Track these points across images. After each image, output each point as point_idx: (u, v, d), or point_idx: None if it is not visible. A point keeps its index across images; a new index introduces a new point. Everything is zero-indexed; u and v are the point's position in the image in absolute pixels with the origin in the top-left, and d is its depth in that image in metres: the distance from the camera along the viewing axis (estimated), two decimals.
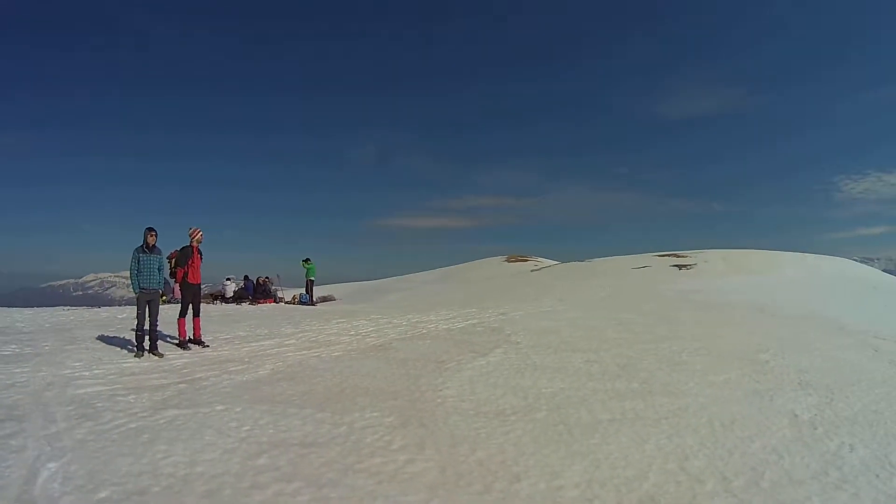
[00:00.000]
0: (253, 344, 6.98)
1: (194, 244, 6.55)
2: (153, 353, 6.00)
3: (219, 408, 4.20)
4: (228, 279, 15.51)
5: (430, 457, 3.47)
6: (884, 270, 28.80)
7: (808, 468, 3.69)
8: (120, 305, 13.29)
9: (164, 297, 9.11)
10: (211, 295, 15.22)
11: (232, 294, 14.93)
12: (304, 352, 6.62)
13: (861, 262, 31.09)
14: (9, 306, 11.77)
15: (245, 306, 13.30)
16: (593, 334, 8.36)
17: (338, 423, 4.01)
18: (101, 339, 6.93)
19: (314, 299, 15.55)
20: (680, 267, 20.98)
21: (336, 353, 6.57)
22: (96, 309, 11.79)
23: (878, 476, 3.59)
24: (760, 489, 3.33)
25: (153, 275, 5.96)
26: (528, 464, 3.47)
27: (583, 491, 3.14)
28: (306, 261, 15.35)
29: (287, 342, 7.19)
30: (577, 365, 6.28)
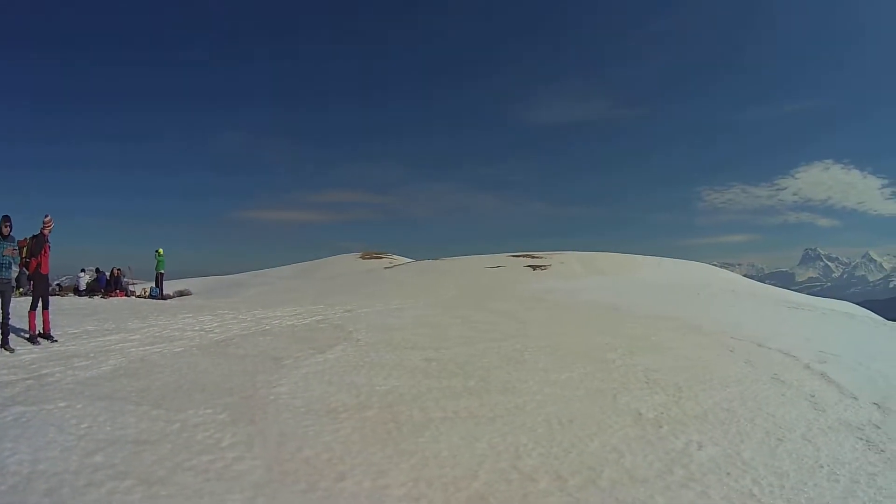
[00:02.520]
0: (99, 339, 9.10)
1: (46, 233, 8.86)
2: (4, 348, 7.96)
3: (61, 404, 5.61)
4: (83, 271, 20.48)
5: (257, 454, 4.71)
6: (745, 275, 41.49)
7: (651, 467, 4.82)
8: None
9: (19, 290, 12.38)
10: (68, 287, 20.31)
11: (85, 287, 19.75)
12: (148, 347, 8.72)
13: (722, 267, 44.39)
14: None
15: (97, 299, 17.65)
16: (437, 332, 11.00)
17: (172, 420, 5.41)
18: None
19: (164, 293, 21.13)
20: (534, 267, 28.66)
21: (178, 349, 8.71)
22: None
23: (728, 474, 4.81)
24: (598, 488, 4.27)
25: (6, 265, 8.12)
26: (355, 462, 4.64)
27: (409, 490, 4.19)
28: (158, 252, 21.00)
29: (132, 337, 9.44)
30: (416, 363, 8.29)
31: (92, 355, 7.85)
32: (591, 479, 4.47)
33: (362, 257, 45.45)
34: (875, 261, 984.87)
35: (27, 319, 8.76)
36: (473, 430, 5.48)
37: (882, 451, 5.53)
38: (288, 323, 12.01)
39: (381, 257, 45.06)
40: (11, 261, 8.12)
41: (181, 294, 24.53)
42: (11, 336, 8.23)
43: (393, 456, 4.77)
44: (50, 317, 8.97)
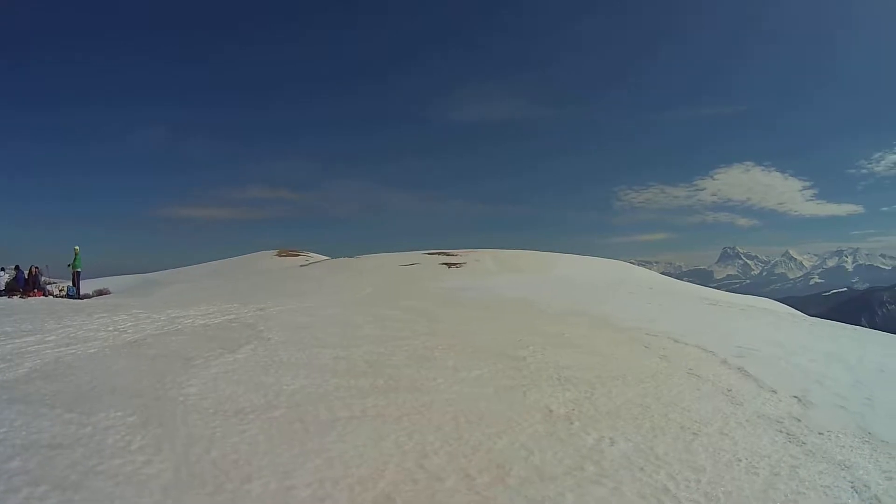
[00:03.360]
0: (17, 340, 9.90)
1: None
2: None
3: None
4: (2, 269, 22.62)
5: (166, 457, 5.10)
6: (662, 273, 45.07)
7: (561, 463, 5.16)
8: None
9: None
10: None
11: (4, 286, 21.72)
12: (63, 349, 9.41)
13: (640, 265, 47.50)
14: None
15: (16, 299, 19.84)
16: (348, 331, 12.04)
17: (84, 423, 5.84)
18: None
19: (82, 292, 24.10)
20: (449, 265, 31.53)
21: (92, 350, 9.43)
22: None
23: (642, 469, 5.17)
24: (507, 486, 4.61)
25: None
26: (261, 463, 5.06)
27: (315, 490, 4.57)
28: (75, 250, 23.66)
29: (48, 338, 10.28)
30: (325, 361, 9.02)
31: (9, 357, 8.54)
32: (500, 477, 4.80)
33: (279, 255, 49.87)
34: (795, 259, 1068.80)
35: None
36: (380, 429, 5.93)
37: (803, 443, 6.03)
38: (200, 322, 13.04)
39: (298, 255, 49.68)
40: None
41: (100, 293, 28.09)
42: None
43: (299, 456, 5.18)
44: None
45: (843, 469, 5.41)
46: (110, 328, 11.60)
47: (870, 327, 23.59)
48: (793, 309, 28.02)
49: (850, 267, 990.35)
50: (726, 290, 43.25)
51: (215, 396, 6.95)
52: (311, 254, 51.04)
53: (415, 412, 6.53)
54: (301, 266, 38.41)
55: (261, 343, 10.42)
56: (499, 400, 7.06)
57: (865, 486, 5.06)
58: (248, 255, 51.37)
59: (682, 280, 42.19)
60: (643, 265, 56.51)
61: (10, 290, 21.50)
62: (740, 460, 5.51)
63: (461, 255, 35.77)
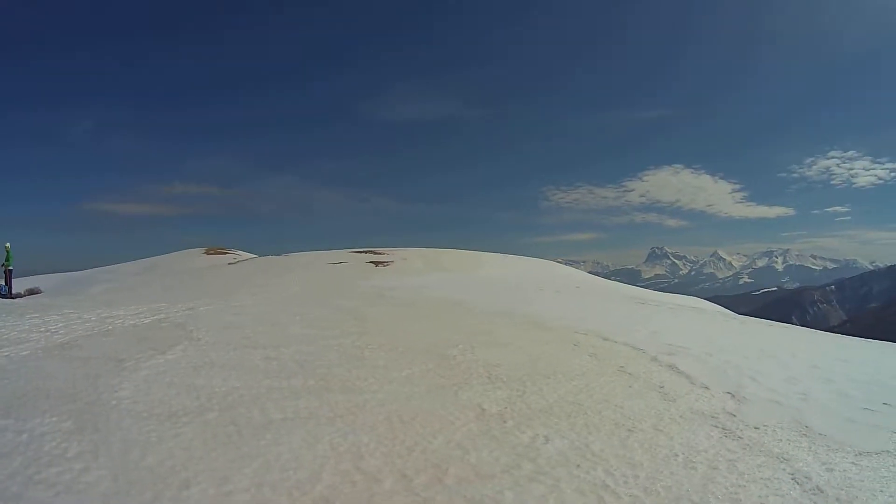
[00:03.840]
0: None
1: None
2: None
3: None
4: None
5: (103, 464, 5.25)
6: (589, 272, 47.42)
7: (497, 462, 5.39)
8: None
9: None
10: None
11: None
12: None
13: (567, 264, 49.38)
14: None
15: None
16: (277, 330, 12.52)
17: (20, 430, 6.01)
18: None
19: (14, 291, 25.08)
20: (376, 264, 32.79)
21: (24, 353, 9.66)
22: None
23: (579, 466, 5.43)
24: (445, 486, 4.81)
25: None
26: (198, 468, 5.18)
27: (253, 495, 4.72)
28: (6, 247, 24.63)
29: None
30: (256, 362, 9.33)
31: None
32: (437, 477, 5.01)
33: (207, 252, 51.22)
34: (724, 259, 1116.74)
35: None
36: (314, 430, 6.16)
37: (740, 437, 6.40)
38: (131, 322, 13.41)
39: (226, 253, 51.46)
40: None
41: (31, 292, 29.85)
42: None
43: (235, 460, 5.36)
44: None
45: (782, 462, 5.76)
46: (42, 329, 11.98)
47: (801, 325, 24.91)
48: (722, 307, 29.31)
49: (780, 267, 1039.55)
50: (654, 290, 44.95)
51: (148, 400, 7.15)
52: (238, 252, 52.67)
53: (348, 413, 6.79)
54: (229, 264, 39.42)
55: (191, 343, 10.76)
56: (431, 399, 7.31)
57: (806, 477, 5.41)
58: (177, 252, 52.66)
59: (609, 279, 44.14)
60: (570, 264, 59.64)
61: None
62: (677, 455, 5.81)
63: (388, 253, 37.16)
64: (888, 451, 6.14)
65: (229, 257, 47.93)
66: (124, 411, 6.67)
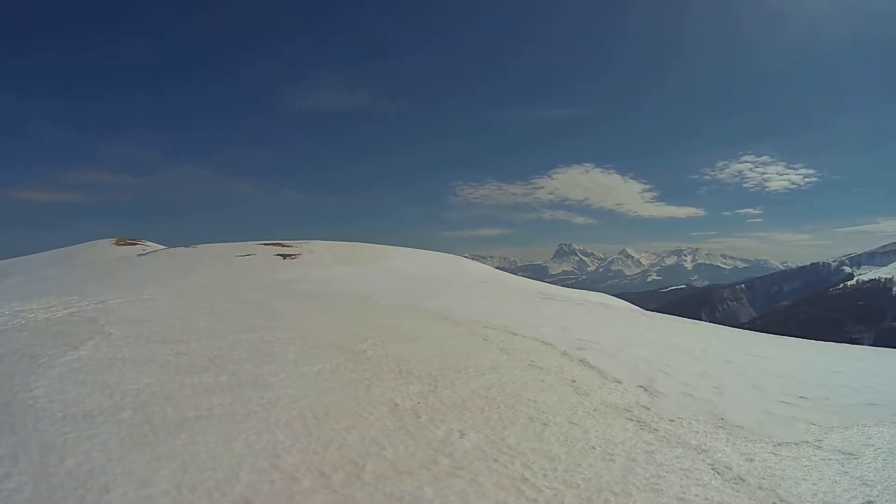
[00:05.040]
0: None
1: None
2: None
3: None
4: None
5: (23, 469, 5.24)
6: (497, 268, 48.86)
7: (414, 457, 5.54)
8: None
9: None
10: None
11: None
12: None
13: (474, 259, 50.07)
14: None
15: None
16: (187, 324, 12.68)
17: None
18: None
19: None
20: (284, 256, 32.80)
21: None
22: None
23: (496, 460, 5.62)
24: (363, 482, 4.95)
25: None
26: (117, 471, 5.21)
27: (174, 498, 4.77)
28: None
29: None
30: (167, 357, 9.44)
31: None
32: (355, 474, 5.14)
33: (117, 243, 49.34)
34: (632, 257, 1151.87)
35: None
36: (229, 428, 6.24)
37: (656, 430, 6.71)
38: (44, 316, 13.47)
39: (136, 244, 49.76)
40: None
41: None
42: None
43: (152, 461, 5.39)
44: None
45: (700, 453, 6.09)
46: None
47: (711, 322, 25.99)
48: (630, 303, 30.35)
49: (689, 266, 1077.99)
50: (562, 286, 46.46)
51: (63, 399, 7.16)
52: (149, 242, 51.36)
53: (261, 409, 6.89)
54: (139, 255, 38.66)
55: (103, 339, 10.84)
56: (344, 394, 7.45)
57: (726, 467, 5.74)
58: (88, 243, 51.09)
59: (517, 275, 45.08)
60: (478, 260, 61.49)
61: None
62: (594, 448, 6.07)
63: (297, 246, 37.42)
64: (807, 442, 6.57)
65: (139, 248, 46.89)
66: (41, 412, 6.66)
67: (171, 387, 7.75)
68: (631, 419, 7.07)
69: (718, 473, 5.61)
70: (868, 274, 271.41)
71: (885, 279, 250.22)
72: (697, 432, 6.73)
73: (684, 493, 5.19)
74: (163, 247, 47.22)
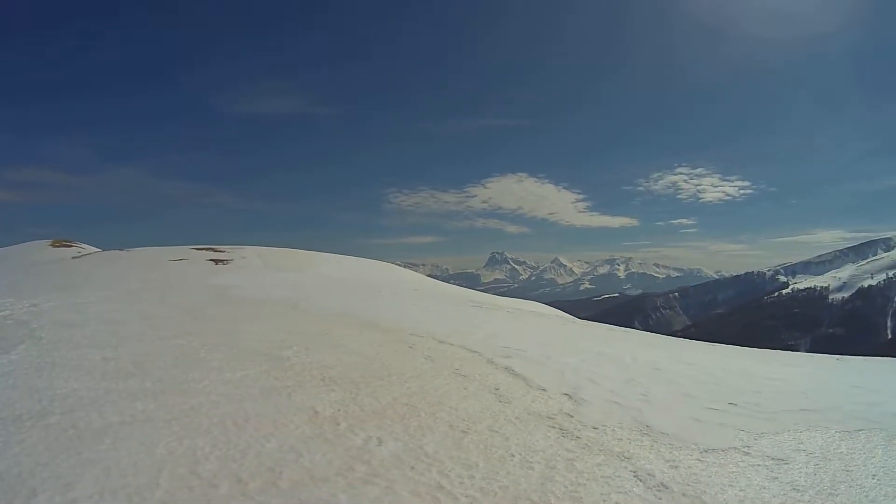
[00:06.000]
0: None
1: None
2: None
3: None
4: None
5: None
6: (429, 275, 50.14)
7: (331, 465, 5.58)
8: None
9: None
10: None
11: None
12: None
13: (406, 267, 51.87)
14: None
15: None
16: (116, 329, 12.80)
17: None
18: None
19: None
20: (216, 262, 33.66)
21: None
22: None
23: (413, 468, 5.66)
24: (280, 490, 5.01)
25: None
26: (44, 475, 5.30)
27: (96, 502, 4.84)
28: None
29: None
30: (95, 362, 9.54)
31: None
32: (272, 481, 5.19)
33: (53, 245, 50.14)
34: (565, 265, 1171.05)
35: None
36: (151, 434, 6.32)
37: (578, 437, 6.81)
38: None
39: (71, 245, 50.64)
40: None
41: None
42: None
43: (77, 466, 5.47)
44: None
45: (622, 460, 6.19)
46: None
47: (644, 330, 26.54)
48: (562, 312, 30.87)
49: (622, 275, 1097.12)
50: (494, 294, 47.14)
51: None
52: (83, 245, 51.99)
53: (183, 415, 6.96)
54: (73, 258, 38.92)
55: (34, 342, 11.06)
56: (265, 401, 7.50)
57: (649, 474, 5.85)
58: (23, 244, 51.86)
59: (448, 283, 45.86)
60: (410, 267, 63.27)
61: None
62: (514, 455, 6.13)
63: (228, 251, 38.19)
64: (735, 448, 6.73)
65: (74, 251, 47.28)
66: None
67: (98, 392, 7.84)
68: (553, 427, 7.16)
69: (641, 481, 5.69)
70: (804, 283, 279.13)
71: (821, 287, 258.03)
72: (621, 439, 6.84)
73: (604, 500, 5.26)
74: (98, 249, 47.77)
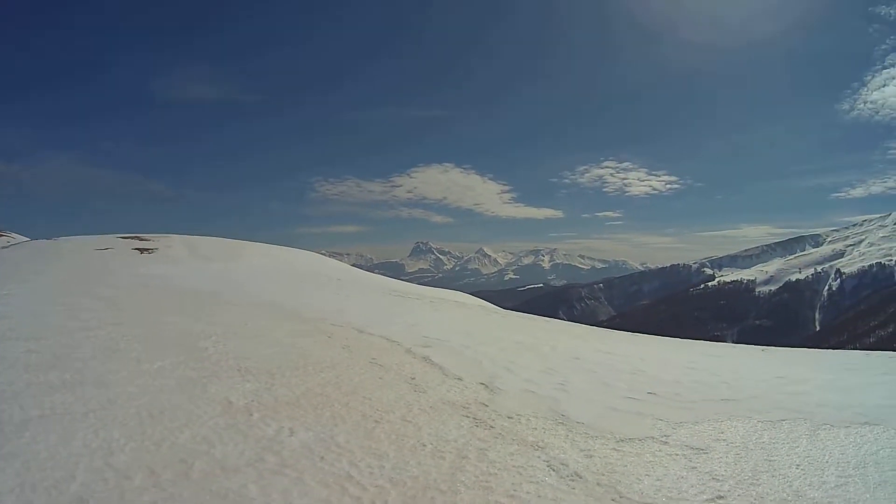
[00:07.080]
0: None
1: None
2: None
3: None
4: None
5: None
6: (353, 265, 50.22)
7: (242, 455, 5.64)
8: None
9: None
10: None
11: None
12: None
13: (331, 256, 51.56)
14: None
15: None
16: (39, 321, 12.47)
17: None
18: None
19: None
20: (142, 251, 33.11)
21: None
22: None
23: (323, 458, 5.74)
24: (191, 480, 5.08)
25: None
26: None
27: (17, 496, 4.86)
28: None
29: None
30: (17, 355, 9.32)
31: None
32: (184, 472, 5.24)
33: None
34: (489, 256, 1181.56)
35: None
36: (69, 427, 6.28)
37: (491, 427, 6.96)
38: None
39: (2, 235, 50.68)
40: None
41: None
42: None
43: None
44: None
45: (536, 450, 6.34)
46: None
47: (568, 320, 26.96)
48: (485, 302, 31.17)
49: (546, 265, 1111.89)
50: (418, 283, 47.40)
51: None
52: (13, 234, 52.33)
53: (100, 408, 6.92)
54: (2, 248, 38.35)
55: None
56: (180, 392, 7.50)
57: (563, 464, 5.99)
58: None
59: (373, 272, 45.83)
60: (335, 256, 63.64)
61: None
62: (425, 445, 6.26)
63: (154, 240, 37.55)
64: (652, 437, 6.93)
65: (4, 241, 46.70)
66: None
67: (19, 385, 7.74)
68: (467, 416, 7.31)
69: (554, 470, 5.82)
70: (730, 276, 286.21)
71: (748, 280, 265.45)
72: (536, 429, 7.00)
73: (515, 490, 5.38)
74: (26, 238, 47.87)
